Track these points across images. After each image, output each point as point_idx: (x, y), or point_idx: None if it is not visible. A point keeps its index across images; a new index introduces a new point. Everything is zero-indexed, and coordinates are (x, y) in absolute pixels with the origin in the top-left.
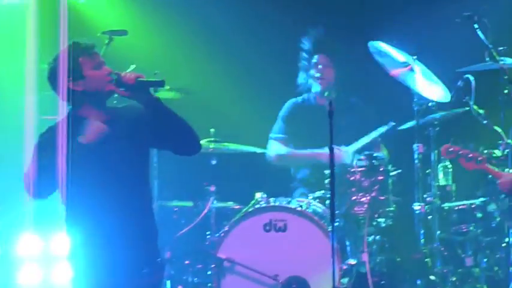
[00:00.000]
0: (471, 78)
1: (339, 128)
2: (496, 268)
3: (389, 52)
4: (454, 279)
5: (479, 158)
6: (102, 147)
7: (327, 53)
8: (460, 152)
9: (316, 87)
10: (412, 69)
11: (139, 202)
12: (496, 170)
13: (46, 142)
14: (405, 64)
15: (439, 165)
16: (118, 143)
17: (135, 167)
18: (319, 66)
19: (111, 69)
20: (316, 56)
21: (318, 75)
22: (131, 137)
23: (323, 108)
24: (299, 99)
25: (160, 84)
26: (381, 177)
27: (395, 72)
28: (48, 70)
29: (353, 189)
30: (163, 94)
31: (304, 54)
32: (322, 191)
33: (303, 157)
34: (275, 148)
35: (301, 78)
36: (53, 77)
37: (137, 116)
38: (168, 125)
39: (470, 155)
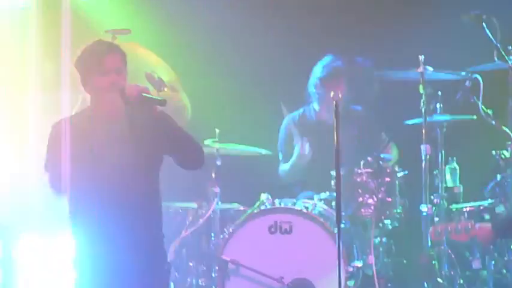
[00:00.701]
0: (479, 78)
1: (342, 140)
2: (504, 271)
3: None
4: (461, 281)
5: (469, 227)
6: (113, 147)
7: (336, 76)
8: (449, 229)
9: (317, 106)
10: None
11: (147, 206)
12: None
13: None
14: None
15: (447, 167)
16: (129, 144)
17: (144, 169)
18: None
19: (120, 78)
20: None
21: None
22: (143, 139)
23: (322, 124)
24: (296, 115)
25: (162, 103)
26: (388, 179)
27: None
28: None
29: (359, 191)
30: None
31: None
32: (328, 193)
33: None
34: (281, 167)
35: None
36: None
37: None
38: (173, 140)
39: (459, 227)
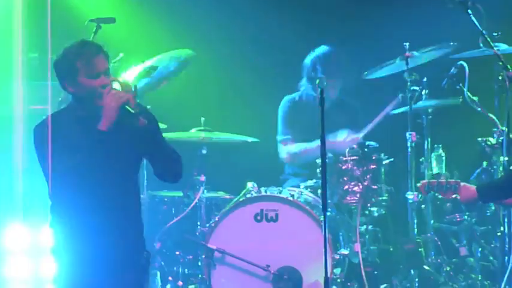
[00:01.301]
0: (465, 65)
1: (336, 125)
2: (491, 258)
3: None
4: (448, 269)
5: (456, 185)
6: (100, 147)
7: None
8: (439, 185)
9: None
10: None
11: (126, 200)
12: (471, 186)
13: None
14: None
15: (433, 154)
16: (116, 143)
17: (126, 167)
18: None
19: (110, 81)
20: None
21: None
22: (126, 139)
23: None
24: (295, 96)
25: (151, 119)
26: (373, 166)
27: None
28: (55, 63)
29: (345, 178)
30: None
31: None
32: (314, 180)
33: (315, 150)
34: (286, 149)
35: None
36: (57, 71)
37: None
38: (155, 143)
39: (447, 185)
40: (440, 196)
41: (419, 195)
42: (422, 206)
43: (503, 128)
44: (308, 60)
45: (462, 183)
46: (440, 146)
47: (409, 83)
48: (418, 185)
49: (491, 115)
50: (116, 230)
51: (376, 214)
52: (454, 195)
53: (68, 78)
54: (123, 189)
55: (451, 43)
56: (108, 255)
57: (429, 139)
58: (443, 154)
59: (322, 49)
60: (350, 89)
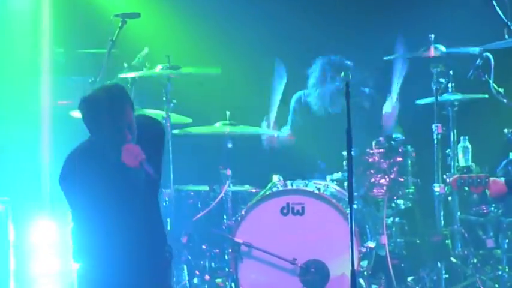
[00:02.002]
0: (490, 56)
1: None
2: None
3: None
4: (475, 261)
5: (486, 179)
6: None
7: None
8: (470, 180)
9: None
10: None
11: (150, 210)
12: (500, 180)
13: None
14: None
15: (459, 145)
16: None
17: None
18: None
19: (132, 136)
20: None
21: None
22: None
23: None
24: (305, 92)
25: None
26: (400, 159)
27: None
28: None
29: (372, 171)
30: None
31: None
32: (340, 173)
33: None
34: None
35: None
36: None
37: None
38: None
39: (478, 179)
40: (471, 191)
41: (446, 188)
42: (449, 198)
43: None
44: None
45: (492, 178)
46: (467, 137)
47: (435, 75)
48: (450, 179)
49: None
50: (140, 230)
51: (402, 206)
52: (483, 190)
53: (90, 125)
54: (147, 203)
55: (479, 48)
56: (133, 253)
57: (455, 131)
58: (469, 146)
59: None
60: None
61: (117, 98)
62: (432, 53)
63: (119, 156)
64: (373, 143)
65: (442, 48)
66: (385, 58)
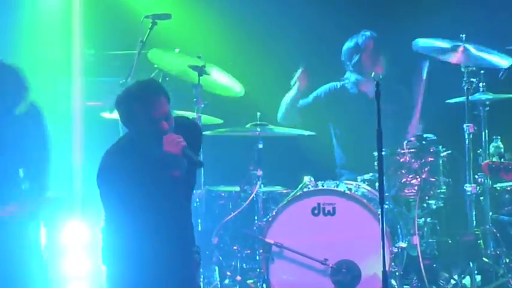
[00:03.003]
0: None
1: (383, 114)
2: None
3: (433, 44)
4: (507, 260)
5: None
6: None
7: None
8: (502, 166)
9: (353, 77)
10: (465, 49)
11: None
12: None
13: None
14: (455, 47)
15: (491, 145)
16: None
17: (185, 194)
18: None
19: (169, 124)
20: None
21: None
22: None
23: (363, 96)
24: (338, 84)
25: (199, 165)
26: (431, 159)
27: (448, 57)
28: (115, 103)
29: (403, 171)
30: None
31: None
32: (371, 174)
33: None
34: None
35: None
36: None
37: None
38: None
39: (508, 165)
40: (501, 177)
41: (478, 187)
42: (481, 197)
43: None
44: (346, 47)
45: None
46: (499, 137)
47: (465, 74)
48: (482, 164)
49: None
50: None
51: (434, 206)
52: None
53: (127, 121)
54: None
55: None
56: (164, 254)
57: (487, 130)
58: (501, 145)
59: (357, 39)
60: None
61: (150, 89)
62: (460, 56)
63: (160, 148)
64: (404, 143)
65: (472, 50)
66: (418, 58)
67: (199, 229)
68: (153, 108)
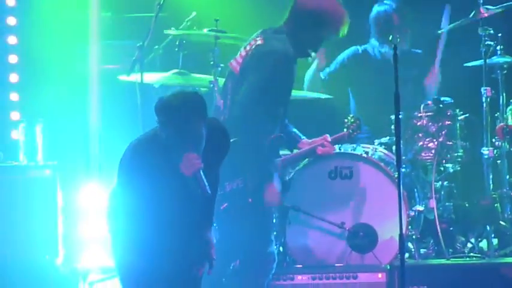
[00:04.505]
0: None
1: (404, 79)
2: None
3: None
4: None
5: None
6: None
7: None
8: None
9: (375, 42)
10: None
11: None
12: None
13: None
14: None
15: (508, 109)
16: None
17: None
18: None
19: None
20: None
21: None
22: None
23: (386, 62)
24: (359, 49)
25: (204, 195)
26: (448, 122)
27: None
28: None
29: (420, 135)
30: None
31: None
32: (388, 137)
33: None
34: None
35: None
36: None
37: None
38: None
39: None
40: None
41: (495, 151)
42: (498, 161)
43: None
44: (374, 14)
45: None
46: None
47: (483, 38)
48: (496, 127)
49: None
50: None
51: (451, 170)
52: None
53: (164, 128)
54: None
55: None
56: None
57: (504, 94)
58: None
59: (376, 9)
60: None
61: (193, 113)
62: (483, 13)
63: (179, 162)
64: (421, 106)
65: (491, 8)
66: (439, 32)
67: None
68: (189, 132)
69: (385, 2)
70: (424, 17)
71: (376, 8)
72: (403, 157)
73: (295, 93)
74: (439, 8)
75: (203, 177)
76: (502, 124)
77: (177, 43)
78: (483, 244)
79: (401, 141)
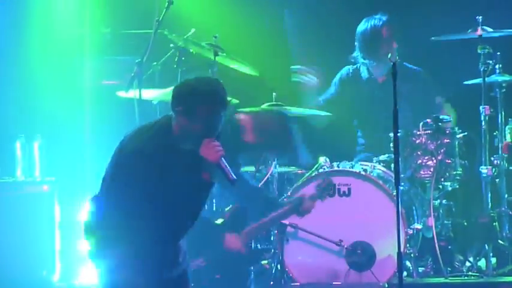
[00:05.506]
0: None
1: (399, 95)
2: None
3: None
4: None
5: None
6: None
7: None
8: None
9: (363, 59)
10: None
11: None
12: None
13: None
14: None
15: (507, 127)
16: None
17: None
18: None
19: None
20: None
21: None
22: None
23: (374, 80)
24: (350, 69)
25: (231, 182)
26: (447, 140)
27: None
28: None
29: (419, 153)
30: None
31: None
32: (387, 155)
33: None
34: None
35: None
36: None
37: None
38: None
39: None
40: None
41: (494, 170)
42: (497, 179)
43: None
44: (360, 30)
45: None
46: None
47: (482, 56)
48: (503, 143)
49: None
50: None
51: (449, 188)
52: None
53: (183, 114)
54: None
55: None
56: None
57: (503, 112)
58: None
59: (364, 25)
60: (414, 55)
61: (219, 102)
62: (479, 32)
63: (197, 148)
64: (420, 124)
65: (489, 30)
66: (432, 38)
67: (214, 209)
68: (211, 119)
69: (374, 16)
70: (413, 30)
71: (364, 24)
72: (402, 175)
73: (295, 110)
74: (430, 21)
75: (225, 163)
76: (507, 141)
77: (175, 59)
78: (481, 263)
79: (400, 159)
